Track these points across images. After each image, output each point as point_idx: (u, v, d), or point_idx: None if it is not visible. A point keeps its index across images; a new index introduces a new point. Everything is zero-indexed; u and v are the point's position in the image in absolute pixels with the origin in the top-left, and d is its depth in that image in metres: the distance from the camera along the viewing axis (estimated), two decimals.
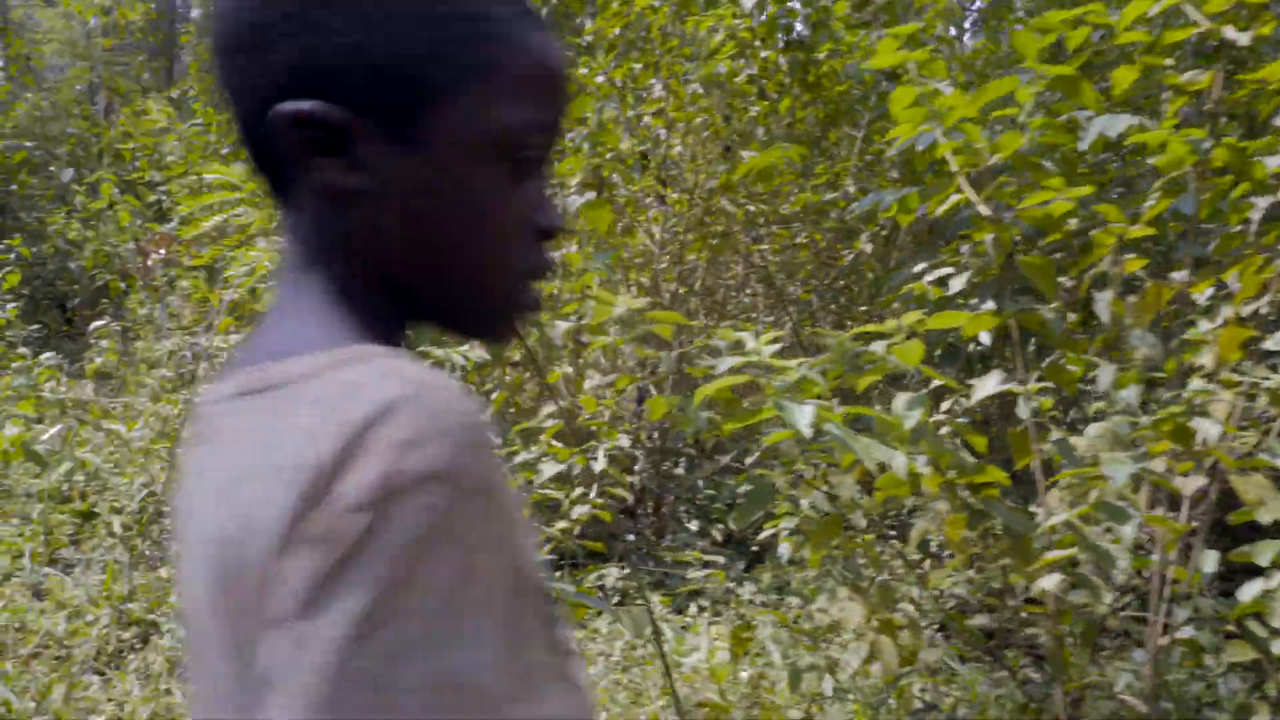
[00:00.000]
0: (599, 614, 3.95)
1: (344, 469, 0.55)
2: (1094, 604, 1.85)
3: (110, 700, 3.43)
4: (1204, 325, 2.50)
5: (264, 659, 0.55)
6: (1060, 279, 2.18)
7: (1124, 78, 2.07)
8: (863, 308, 6.23)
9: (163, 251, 6.62)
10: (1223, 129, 2.01)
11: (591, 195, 2.36)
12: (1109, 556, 1.75)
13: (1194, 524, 2.62)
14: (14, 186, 10.48)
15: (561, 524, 2.57)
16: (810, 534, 2.57)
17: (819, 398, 2.12)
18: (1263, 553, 2.60)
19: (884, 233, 6.18)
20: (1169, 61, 1.95)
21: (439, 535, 0.55)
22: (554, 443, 2.48)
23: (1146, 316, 2.14)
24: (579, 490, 2.72)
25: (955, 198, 2.02)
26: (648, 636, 2.87)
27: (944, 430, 2.25)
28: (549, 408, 2.43)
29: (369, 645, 0.53)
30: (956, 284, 2.14)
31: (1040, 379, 2.07)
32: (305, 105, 0.65)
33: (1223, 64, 2.00)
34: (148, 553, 4.61)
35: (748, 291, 7.26)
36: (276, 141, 0.66)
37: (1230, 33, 1.90)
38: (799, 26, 6.37)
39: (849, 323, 6.17)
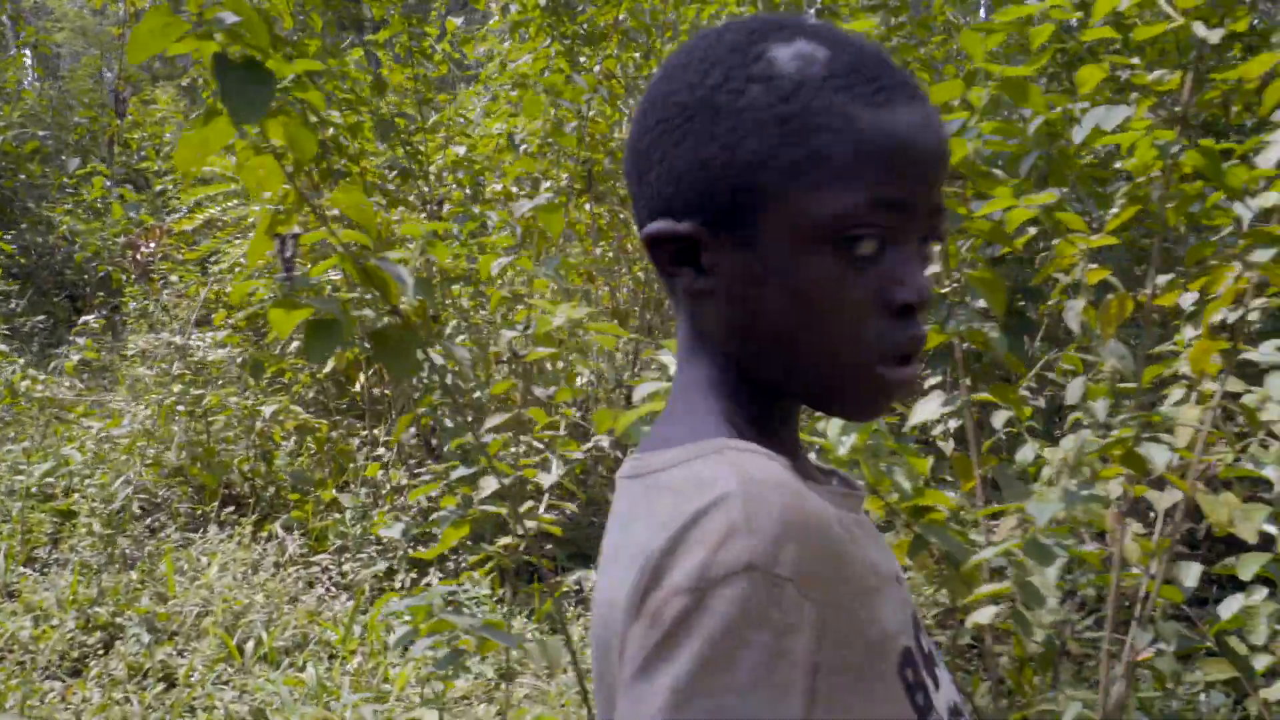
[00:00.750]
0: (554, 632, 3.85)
1: (675, 555, 0.63)
2: (1025, 640, 1.74)
3: (68, 707, 3.37)
4: (1189, 333, 2.38)
5: (617, 718, 0.64)
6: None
7: (1090, 77, 1.95)
8: None
9: (153, 245, 6.57)
10: (1196, 132, 1.88)
11: (546, 198, 2.25)
12: (1038, 594, 1.64)
13: (1169, 540, 2.50)
14: (23, 176, 10.47)
15: (505, 540, 2.48)
16: None
17: None
18: (1246, 566, 2.48)
19: None
20: (1135, 60, 1.83)
21: (750, 620, 0.61)
22: (497, 458, 2.39)
23: (1110, 328, 2.02)
24: (528, 504, 2.62)
25: None
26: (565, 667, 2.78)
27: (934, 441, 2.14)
28: (492, 420, 2.33)
29: (687, 712, 0.60)
30: None
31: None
32: (656, 226, 0.75)
33: (1193, 63, 1.87)
34: (128, 551, 4.56)
35: None
36: (651, 255, 0.77)
37: (1201, 30, 1.77)
38: (810, 14, 6.22)
39: None
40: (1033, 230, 2.02)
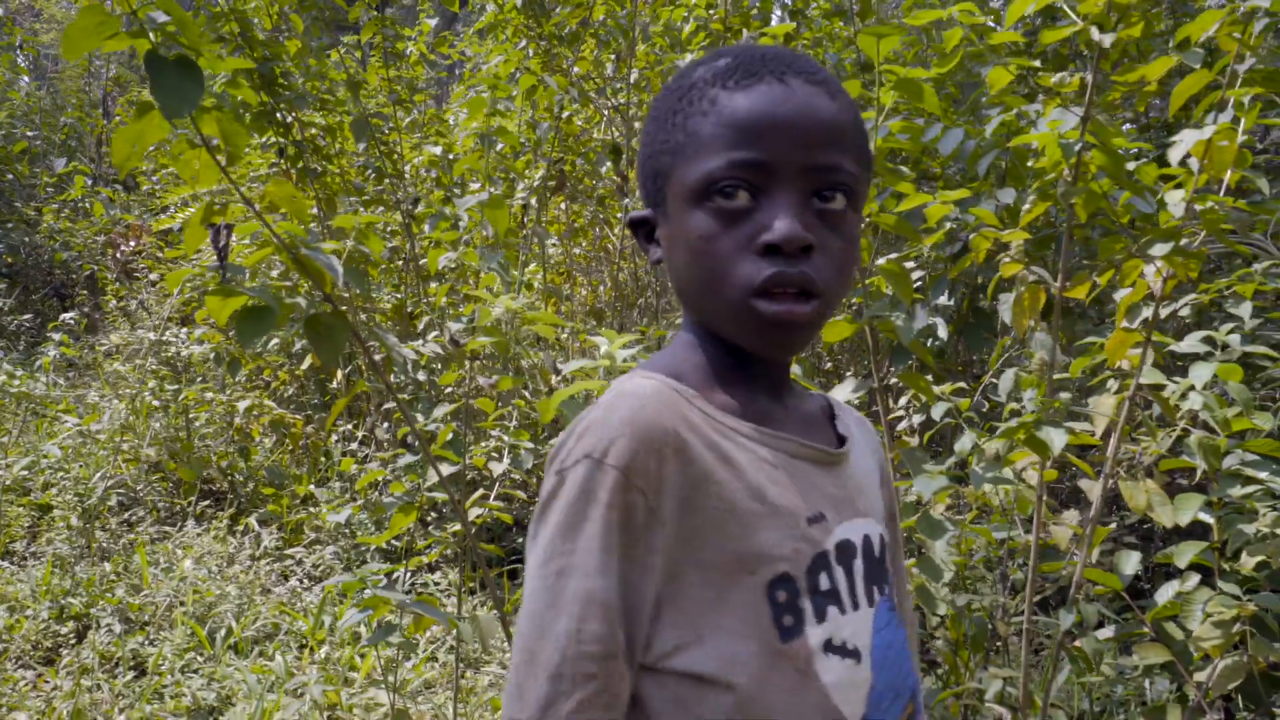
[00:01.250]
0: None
1: (556, 447, 0.87)
2: (929, 613, 1.82)
3: (39, 695, 3.44)
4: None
5: None
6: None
7: (999, 78, 2.03)
8: None
9: (133, 243, 6.64)
10: (1104, 131, 1.97)
11: (489, 193, 2.33)
12: (935, 568, 1.72)
13: (1106, 529, 2.58)
14: (10, 176, 10.53)
15: (455, 527, 2.56)
16: None
17: None
18: (1183, 554, 2.56)
19: None
20: (1038, 63, 1.91)
21: (585, 497, 0.82)
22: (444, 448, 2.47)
23: (1024, 320, 2.10)
24: (479, 492, 2.70)
25: None
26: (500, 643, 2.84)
27: None
28: (441, 410, 2.41)
29: (547, 566, 0.83)
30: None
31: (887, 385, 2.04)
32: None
33: (1094, 65, 1.95)
34: (103, 544, 4.63)
35: None
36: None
37: (1095, 34, 1.86)
38: (777, 15, 6.29)
39: None
40: (950, 225, 2.10)
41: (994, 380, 4.11)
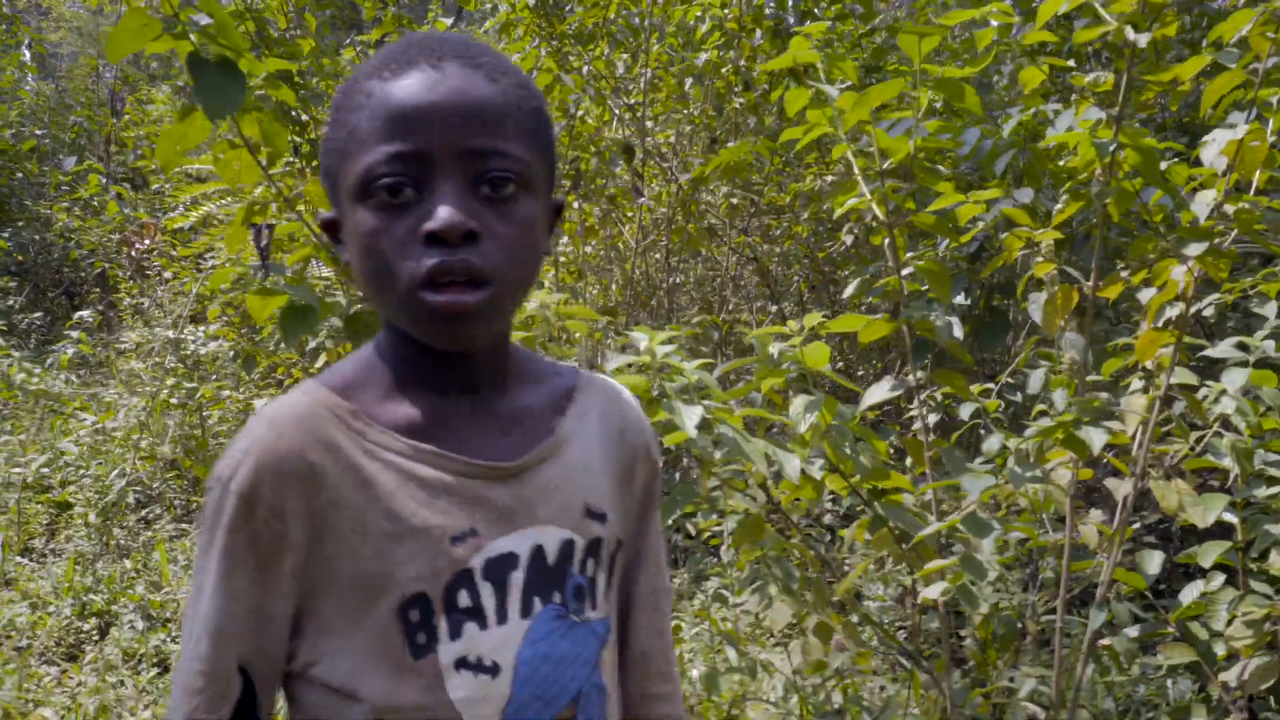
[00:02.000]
0: None
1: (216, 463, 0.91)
2: (970, 612, 1.83)
3: (64, 690, 3.46)
4: (1145, 327, 2.47)
5: None
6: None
7: (1031, 79, 2.04)
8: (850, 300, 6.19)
9: (147, 241, 6.65)
10: (1135, 132, 1.97)
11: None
12: (979, 567, 1.73)
13: (1131, 528, 2.58)
14: (20, 174, 10.54)
15: None
16: (735, 534, 2.56)
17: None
18: (1207, 554, 2.57)
19: (871, 223, 6.09)
20: (1071, 62, 1.92)
21: (212, 519, 0.88)
22: None
23: (1056, 320, 2.11)
24: None
25: (854, 200, 2.00)
26: None
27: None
28: None
29: (194, 577, 0.91)
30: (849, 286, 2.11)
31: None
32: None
33: (1130, 64, 1.96)
34: (122, 541, 4.64)
35: (741, 283, 7.23)
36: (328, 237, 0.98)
37: (1130, 34, 1.87)
38: (789, 16, 6.29)
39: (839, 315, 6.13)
40: (981, 224, 2.11)
41: (1010, 380, 4.11)
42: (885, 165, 1.92)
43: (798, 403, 1.99)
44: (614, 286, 6.84)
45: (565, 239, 6.43)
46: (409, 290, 0.85)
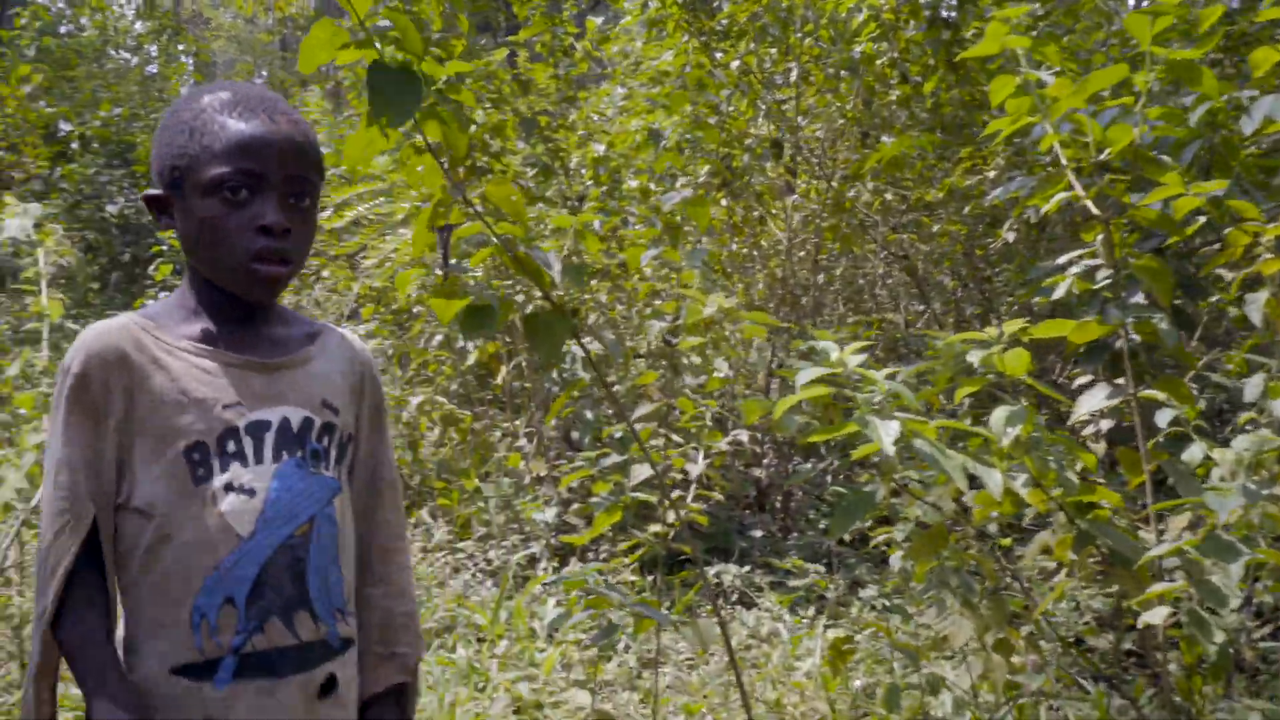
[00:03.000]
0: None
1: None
2: (1203, 643, 1.67)
3: None
4: None
5: None
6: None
7: (1265, 59, 1.86)
8: (1009, 299, 5.93)
9: None
10: None
11: (688, 192, 2.28)
12: (1219, 594, 1.58)
13: None
14: None
15: (655, 528, 2.51)
16: (913, 545, 2.44)
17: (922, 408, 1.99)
18: None
19: (1032, 220, 5.83)
20: None
21: (59, 397, 1.30)
22: (651, 444, 2.42)
23: (1278, 321, 1.93)
24: (676, 493, 2.65)
25: (1064, 194, 1.86)
26: (718, 647, 2.78)
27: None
28: (642, 409, 2.36)
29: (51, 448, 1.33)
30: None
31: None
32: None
33: None
34: None
35: (889, 281, 7.03)
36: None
37: None
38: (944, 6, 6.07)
39: (993, 316, 5.88)
40: (1201, 220, 1.94)
41: (1213, 385, 3.85)
42: (1102, 156, 1.77)
43: (999, 414, 1.87)
44: (759, 286, 6.72)
45: (705, 238, 6.36)
46: (244, 261, 1.30)
